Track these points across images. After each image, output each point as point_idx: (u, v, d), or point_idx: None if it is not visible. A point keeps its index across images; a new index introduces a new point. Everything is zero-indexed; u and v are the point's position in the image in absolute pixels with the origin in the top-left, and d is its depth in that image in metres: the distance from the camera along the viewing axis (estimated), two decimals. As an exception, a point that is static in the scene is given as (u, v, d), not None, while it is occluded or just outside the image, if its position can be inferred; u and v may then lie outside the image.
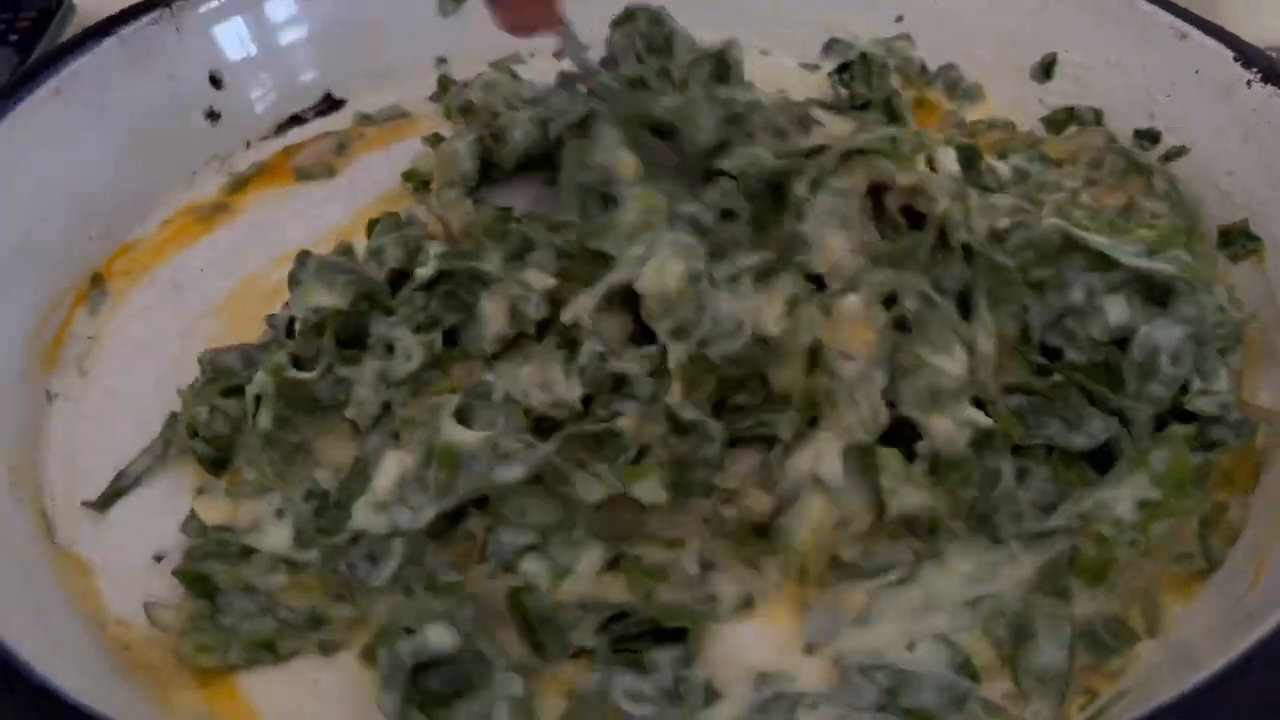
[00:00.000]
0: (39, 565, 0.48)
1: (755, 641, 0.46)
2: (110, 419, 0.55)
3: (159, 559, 0.49)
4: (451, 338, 0.51)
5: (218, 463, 0.50)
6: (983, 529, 0.47)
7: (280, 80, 0.71)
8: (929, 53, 0.73)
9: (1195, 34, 0.62)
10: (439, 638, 0.42)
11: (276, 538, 0.47)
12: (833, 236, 0.49)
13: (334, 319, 0.50)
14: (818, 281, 0.49)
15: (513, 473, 0.46)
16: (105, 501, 0.50)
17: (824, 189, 0.49)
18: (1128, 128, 0.65)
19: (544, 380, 0.48)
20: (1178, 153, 0.63)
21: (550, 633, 0.44)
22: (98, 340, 0.59)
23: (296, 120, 0.72)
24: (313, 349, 0.50)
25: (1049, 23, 0.69)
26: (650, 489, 0.46)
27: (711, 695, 0.44)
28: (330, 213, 0.66)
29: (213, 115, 0.69)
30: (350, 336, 0.51)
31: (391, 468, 0.46)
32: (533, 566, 0.46)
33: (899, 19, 0.75)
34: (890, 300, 0.48)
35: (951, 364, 0.47)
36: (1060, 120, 0.68)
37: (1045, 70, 0.70)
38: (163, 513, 0.50)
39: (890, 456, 0.47)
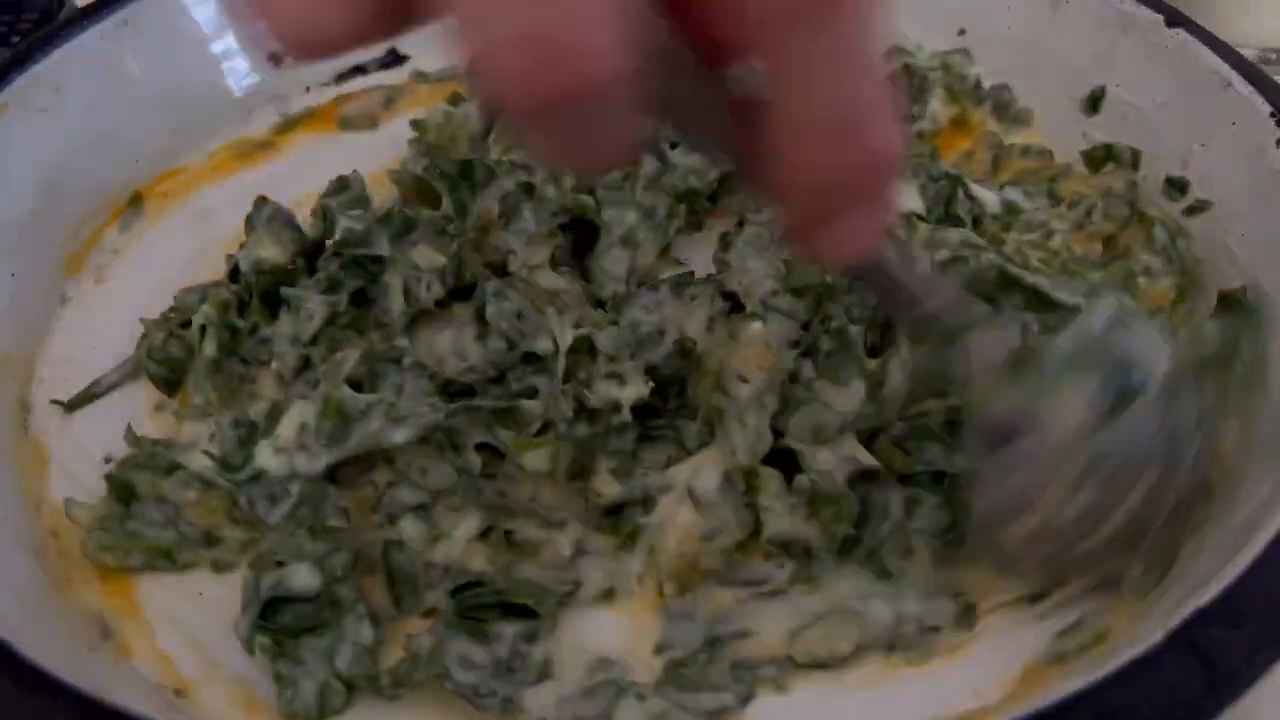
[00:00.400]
0: (2, 444, 0.53)
1: (610, 632, 0.47)
2: (109, 329, 0.60)
3: (107, 460, 0.54)
4: (365, 299, 0.54)
5: (170, 384, 0.55)
6: (870, 563, 0.47)
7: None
8: (985, 70, 0.71)
9: (1238, 83, 0.58)
10: (301, 578, 0.45)
11: (202, 459, 0.51)
12: (753, 260, 0.49)
13: (264, 278, 0.53)
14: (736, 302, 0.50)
15: (400, 435, 0.48)
16: (74, 404, 0.56)
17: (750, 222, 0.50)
18: (1161, 173, 0.62)
19: (458, 348, 0.51)
20: (1201, 207, 0.59)
21: (408, 589, 0.47)
22: (120, 254, 0.64)
23: (359, 71, 0.76)
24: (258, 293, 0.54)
25: (1109, 56, 0.66)
26: (538, 458, 0.48)
27: (544, 674, 0.45)
28: (360, 163, 0.69)
29: (275, 58, 0.73)
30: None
31: (295, 416, 0.49)
32: (411, 526, 0.48)
33: (961, 33, 0.72)
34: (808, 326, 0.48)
35: (844, 399, 0.47)
36: (1099, 157, 0.65)
37: (1093, 104, 0.66)
38: (122, 420, 0.55)
39: (770, 477, 0.47)
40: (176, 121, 0.69)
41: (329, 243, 0.55)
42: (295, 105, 0.73)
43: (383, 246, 0.53)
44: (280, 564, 0.46)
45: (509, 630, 0.46)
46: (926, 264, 0.49)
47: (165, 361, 0.54)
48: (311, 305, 0.52)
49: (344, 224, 0.54)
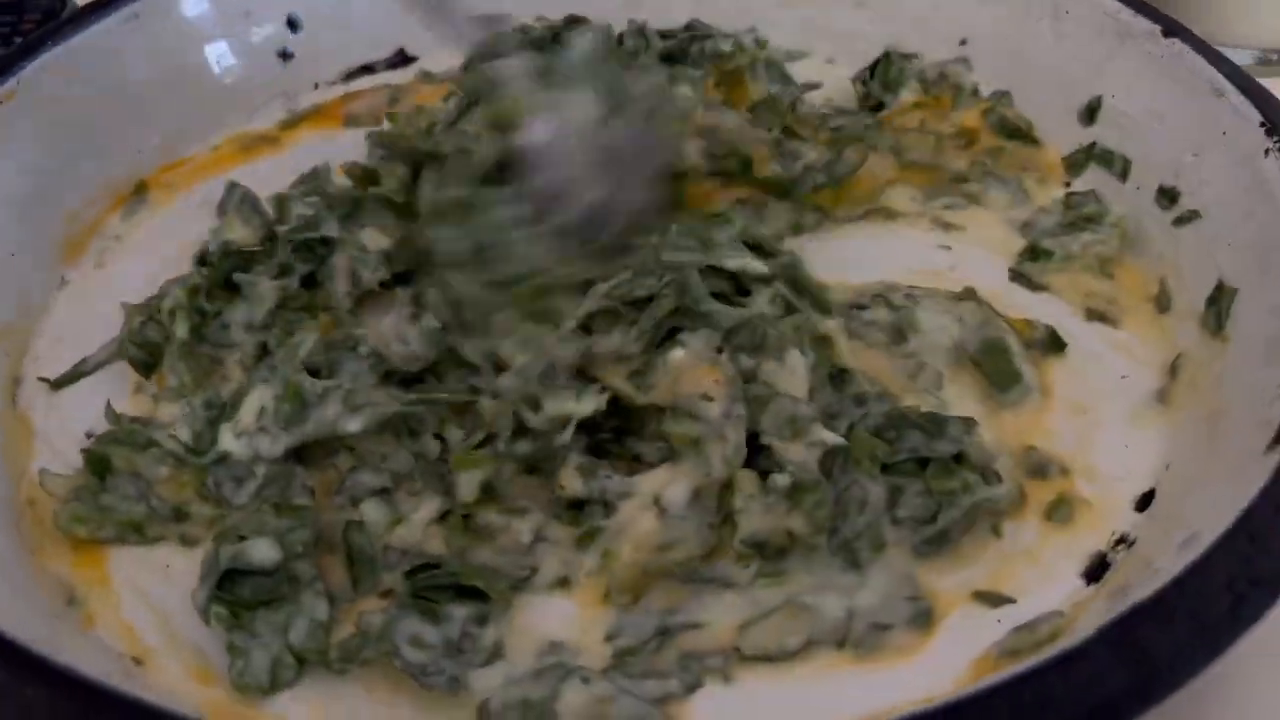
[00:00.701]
0: (-9, 416, 0.55)
1: (563, 618, 0.47)
2: (104, 312, 0.61)
3: (89, 436, 0.55)
4: (315, 283, 0.55)
5: (147, 366, 0.56)
6: (842, 553, 0.47)
7: (356, 30, 0.77)
8: (984, 79, 0.71)
9: (1231, 92, 0.58)
10: (261, 551, 0.46)
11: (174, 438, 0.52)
12: None
13: (226, 261, 0.55)
14: None
15: (356, 424, 0.49)
16: (60, 382, 0.57)
17: None
18: (1154, 182, 0.61)
19: (399, 331, 0.51)
20: (1190, 217, 0.58)
21: (365, 569, 0.48)
22: (122, 241, 0.66)
23: (367, 70, 0.77)
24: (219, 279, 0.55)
25: (1106, 66, 0.66)
26: (466, 482, 0.48)
27: (494, 656, 0.45)
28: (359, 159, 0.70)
29: (285, 55, 0.75)
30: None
31: (255, 400, 0.50)
32: (372, 510, 0.49)
33: (963, 43, 0.72)
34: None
35: (787, 377, 0.47)
36: (1079, 162, 0.65)
37: (1090, 114, 0.66)
38: (105, 399, 0.56)
39: (745, 479, 0.47)
40: (182, 114, 0.71)
41: (281, 229, 0.56)
42: (303, 102, 0.75)
43: (331, 229, 0.54)
44: (242, 538, 0.46)
45: (460, 612, 0.46)
46: None
47: (143, 345, 0.56)
48: (263, 289, 0.53)
49: (298, 210, 0.56)
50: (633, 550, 0.47)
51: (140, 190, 0.68)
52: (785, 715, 0.43)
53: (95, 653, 0.46)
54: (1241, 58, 0.71)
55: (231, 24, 0.73)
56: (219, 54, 0.72)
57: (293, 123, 0.74)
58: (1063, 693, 0.34)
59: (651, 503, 0.48)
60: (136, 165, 0.69)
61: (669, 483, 0.48)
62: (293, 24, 0.75)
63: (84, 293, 0.63)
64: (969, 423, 0.49)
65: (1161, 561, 0.41)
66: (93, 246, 0.65)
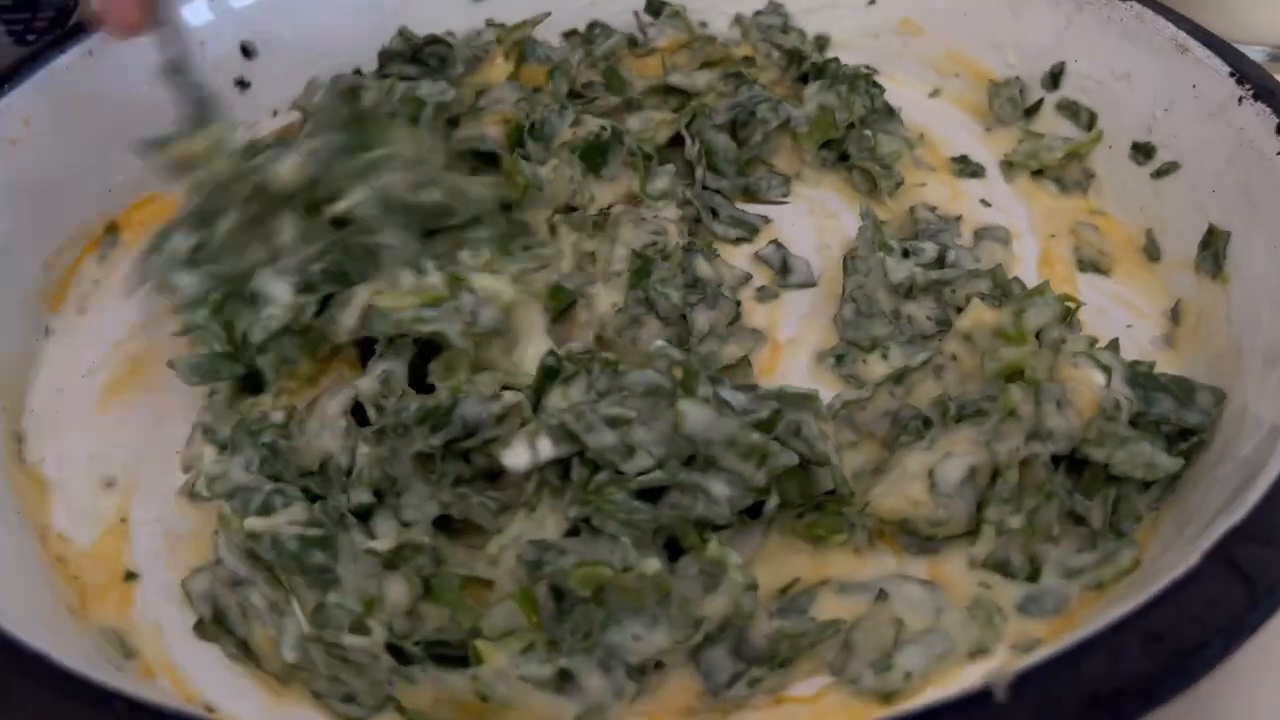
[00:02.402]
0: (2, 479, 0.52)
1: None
2: (92, 359, 0.59)
3: (109, 485, 0.53)
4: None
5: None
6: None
7: (309, 54, 0.75)
8: (943, 53, 0.73)
9: (1196, 48, 0.60)
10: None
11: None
12: None
13: None
14: None
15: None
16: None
17: None
18: (1127, 140, 0.64)
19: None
20: (1170, 169, 0.61)
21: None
22: (101, 284, 0.64)
23: (324, 93, 0.76)
24: None
25: (1067, 35, 0.68)
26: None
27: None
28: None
29: (242, 84, 0.73)
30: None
31: None
32: None
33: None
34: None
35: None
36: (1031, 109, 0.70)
37: (1053, 79, 0.68)
38: (115, 440, 0.54)
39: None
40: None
41: None
42: (264, 129, 0.73)
43: None
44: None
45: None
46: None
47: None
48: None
49: None
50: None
51: (112, 230, 0.66)
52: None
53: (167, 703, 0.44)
54: (1253, 54, 0.73)
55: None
56: (176, 86, 0.70)
57: (257, 151, 0.71)
58: (1184, 617, 0.35)
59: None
60: (106, 206, 0.66)
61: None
62: (246, 51, 0.73)
63: (72, 341, 0.60)
64: (1218, 394, 0.50)
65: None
66: (73, 293, 0.63)
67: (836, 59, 0.72)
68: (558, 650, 0.43)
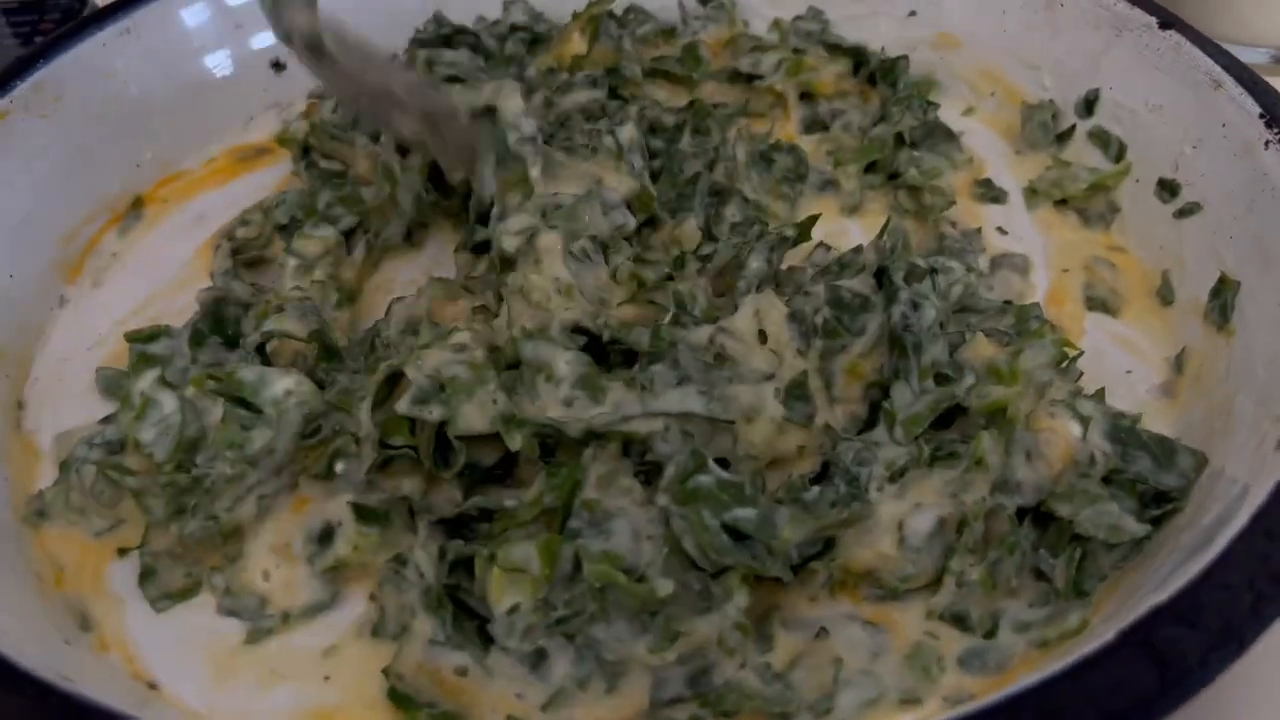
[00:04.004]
0: (-5, 440, 0.55)
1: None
2: (103, 331, 0.61)
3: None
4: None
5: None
6: None
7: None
8: (979, 71, 0.71)
9: (1230, 84, 0.58)
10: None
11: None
12: None
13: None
14: None
15: None
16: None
17: None
18: (1154, 175, 0.61)
19: None
20: (1191, 209, 0.59)
21: None
22: (119, 258, 0.66)
23: (361, 80, 0.77)
24: None
25: (1103, 58, 0.66)
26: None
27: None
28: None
29: (278, 65, 0.75)
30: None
31: None
32: None
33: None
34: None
35: None
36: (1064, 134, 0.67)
37: (1088, 106, 0.66)
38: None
39: None
40: (177, 127, 0.71)
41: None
42: (296, 111, 0.74)
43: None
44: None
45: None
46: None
47: None
48: None
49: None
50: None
51: (137, 206, 0.68)
52: None
53: (108, 679, 0.46)
54: (1256, 56, 0.71)
55: (225, 35, 0.72)
56: (214, 65, 0.72)
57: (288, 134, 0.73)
58: (1088, 696, 0.34)
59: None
60: (133, 181, 0.68)
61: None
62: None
63: (84, 312, 0.63)
64: (1199, 458, 0.48)
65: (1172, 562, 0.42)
66: (90, 265, 0.65)
67: (905, 56, 0.72)
68: (551, 608, 0.44)
